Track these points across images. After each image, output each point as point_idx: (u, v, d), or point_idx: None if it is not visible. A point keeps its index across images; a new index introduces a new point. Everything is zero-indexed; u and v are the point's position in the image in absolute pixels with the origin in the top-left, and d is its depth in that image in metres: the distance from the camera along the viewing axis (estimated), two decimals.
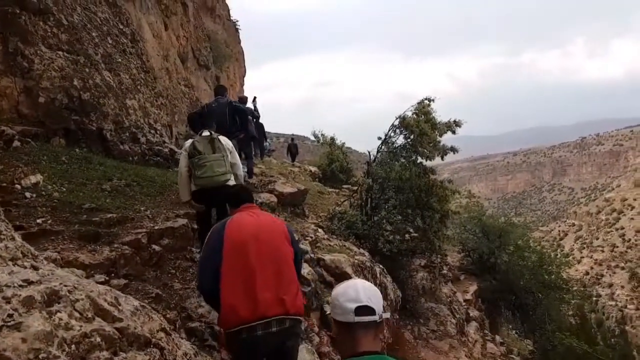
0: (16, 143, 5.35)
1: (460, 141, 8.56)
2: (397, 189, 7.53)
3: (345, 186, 15.41)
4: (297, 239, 2.92)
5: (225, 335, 2.67)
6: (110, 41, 8.07)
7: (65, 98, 6.28)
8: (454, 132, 8.11)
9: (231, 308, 2.51)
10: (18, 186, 4.35)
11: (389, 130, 7.82)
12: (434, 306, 9.59)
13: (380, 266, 7.00)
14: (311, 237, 6.17)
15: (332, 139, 8.12)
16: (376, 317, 1.54)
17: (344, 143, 8.34)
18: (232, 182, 4.15)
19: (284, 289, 2.61)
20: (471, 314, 11.61)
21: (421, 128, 7.36)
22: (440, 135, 7.97)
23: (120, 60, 8.16)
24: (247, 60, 37.66)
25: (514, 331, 15.51)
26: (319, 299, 5.11)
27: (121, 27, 8.98)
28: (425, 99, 7.80)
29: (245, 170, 8.17)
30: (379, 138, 7.94)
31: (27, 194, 4.26)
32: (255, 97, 15.08)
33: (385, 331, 1.74)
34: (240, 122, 6.21)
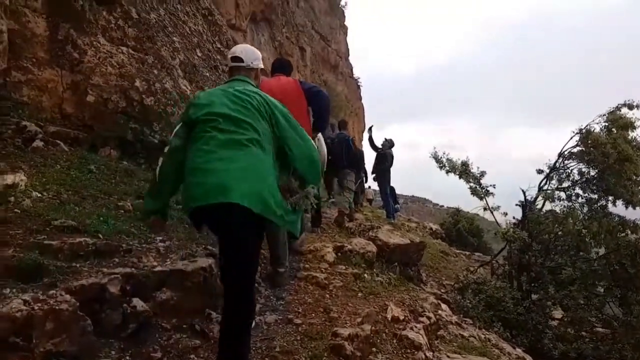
0: (37, 143, 4.08)
1: None
2: (576, 250, 4.72)
3: (477, 253, 12.30)
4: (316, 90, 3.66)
5: None
6: (199, 54, 7.00)
7: (123, 100, 5.06)
8: None
9: None
10: None
11: (559, 157, 5.11)
12: None
13: None
14: (429, 319, 3.44)
15: (465, 164, 5.52)
16: (244, 64, 2.47)
17: (483, 172, 5.56)
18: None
19: None
20: None
21: (620, 150, 4.36)
22: None
23: (208, 75, 7.00)
24: (367, 118, 37.42)
25: None
26: None
27: (218, 45, 8.01)
28: (623, 104, 4.99)
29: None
30: (539, 171, 5.19)
31: None
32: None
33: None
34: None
